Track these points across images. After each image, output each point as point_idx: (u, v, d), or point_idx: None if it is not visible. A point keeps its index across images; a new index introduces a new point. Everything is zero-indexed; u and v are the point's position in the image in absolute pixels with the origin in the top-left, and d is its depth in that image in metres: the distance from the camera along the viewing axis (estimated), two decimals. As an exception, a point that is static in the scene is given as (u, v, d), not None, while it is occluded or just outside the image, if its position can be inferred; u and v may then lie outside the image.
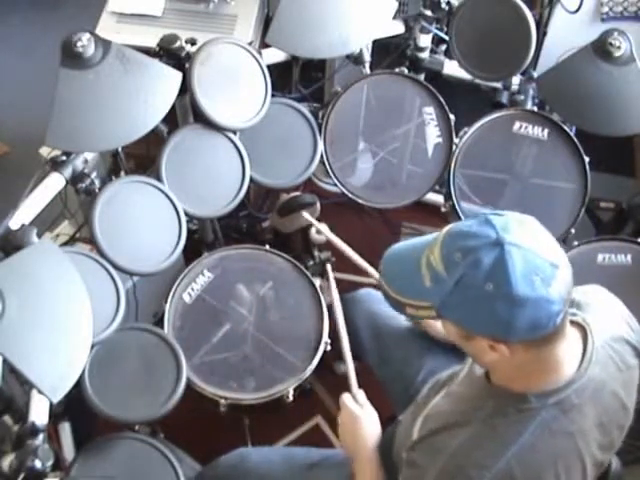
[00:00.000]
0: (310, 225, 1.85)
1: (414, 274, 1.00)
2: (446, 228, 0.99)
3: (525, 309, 0.91)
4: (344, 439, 1.37)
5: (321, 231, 1.74)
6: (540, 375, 1.01)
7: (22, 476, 1.22)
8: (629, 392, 1.11)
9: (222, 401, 1.55)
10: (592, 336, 1.06)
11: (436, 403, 1.19)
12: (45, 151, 1.75)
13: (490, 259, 0.91)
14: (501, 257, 0.91)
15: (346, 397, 1.39)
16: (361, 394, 1.41)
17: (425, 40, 1.95)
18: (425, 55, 1.99)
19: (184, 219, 1.61)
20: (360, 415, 1.35)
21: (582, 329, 1.07)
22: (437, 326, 1.52)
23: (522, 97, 1.87)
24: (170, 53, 1.65)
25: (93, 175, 1.56)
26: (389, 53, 2.01)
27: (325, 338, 1.64)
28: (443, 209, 1.87)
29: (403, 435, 1.29)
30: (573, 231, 1.77)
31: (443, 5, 1.83)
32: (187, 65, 1.64)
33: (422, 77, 1.99)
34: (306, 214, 1.79)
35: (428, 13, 1.88)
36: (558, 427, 1.01)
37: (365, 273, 1.67)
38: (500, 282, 0.90)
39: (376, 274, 1.62)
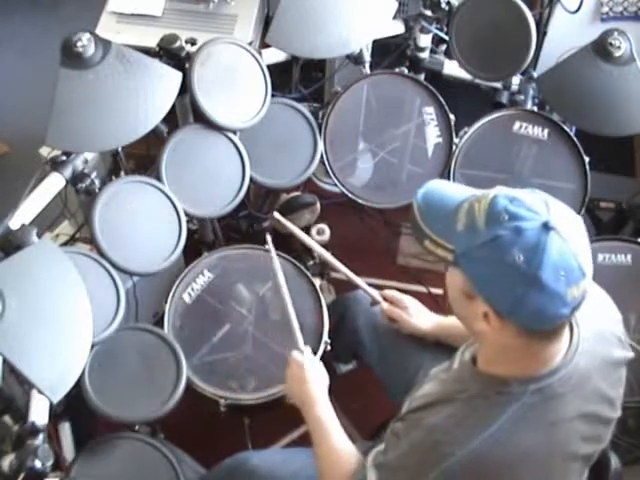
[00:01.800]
0: (310, 226, 1.85)
1: (450, 213, 0.99)
2: (503, 188, 0.98)
3: (539, 295, 0.91)
4: (291, 387, 1.38)
5: (301, 239, 1.72)
6: (525, 363, 1.02)
7: (22, 476, 1.22)
8: (615, 386, 1.11)
9: (222, 401, 1.55)
10: (579, 327, 1.06)
11: (423, 387, 1.20)
12: (45, 151, 1.75)
13: (533, 235, 0.91)
14: (544, 239, 0.91)
15: (293, 352, 1.41)
16: (307, 349, 1.43)
17: (425, 40, 1.95)
18: (425, 55, 1.99)
19: (184, 219, 1.61)
20: (306, 362, 1.38)
21: (570, 324, 1.07)
22: (411, 324, 1.53)
23: (522, 97, 1.88)
24: (170, 53, 1.65)
25: (93, 175, 1.56)
26: (389, 53, 2.01)
27: (325, 338, 1.64)
28: (443, 209, 1.87)
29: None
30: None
31: (443, 5, 1.83)
32: (187, 65, 1.64)
33: (422, 77, 1.98)
34: (286, 222, 1.76)
35: (428, 13, 1.88)
36: (537, 414, 1.01)
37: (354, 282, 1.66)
38: (532, 259, 0.90)
39: (356, 278, 1.62)
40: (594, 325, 1.09)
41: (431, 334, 1.53)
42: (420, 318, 1.54)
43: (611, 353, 1.11)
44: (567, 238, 0.92)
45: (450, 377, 1.15)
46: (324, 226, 2.01)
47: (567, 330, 1.04)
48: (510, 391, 1.01)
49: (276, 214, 1.75)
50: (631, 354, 1.14)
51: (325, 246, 1.89)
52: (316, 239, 1.93)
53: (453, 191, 1.04)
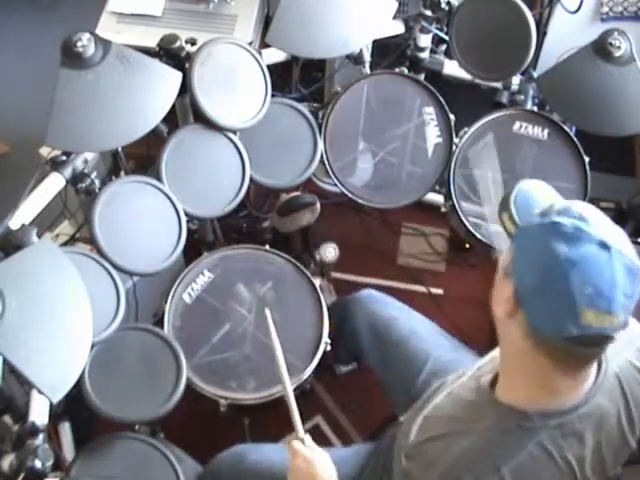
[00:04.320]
0: (310, 226, 1.85)
1: (538, 203, 0.99)
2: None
3: (556, 293, 0.90)
4: None
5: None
6: (545, 395, 1.00)
7: (22, 476, 1.23)
8: (633, 428, 1.08)
9: (222, 401, 1.55)
10: (607, 364, 1.04)
11: (437, 403, 1.18)
12: (45, 151, 1.75)
13: (589, 244, 0.90)
14: (595, 251, 0.90)
15: (295, 443, 1.31)
16: (308, 438, 1.33)
17: (425, 40, 1.95)
18: (425, 55, 1.99)
19: (184, 219, 1.61)
20: (314, 458, 1.28)
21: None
22: None
23: (522, 97, 1.87)
24: (170, 53, 1.65)
25: (93, 175, 1.56)
26: (389, 53, 2.01)
27: (325, 338, 1.64)
28: (443, 209, 1.87)
29: (403, 435, 1.29)
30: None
31: (443, 5, 1.83)
32: (187, 65, 1.64)
33: (422, 77, 1.98)
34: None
35: (428, 13, 1.88)
36: (556, 450, 1.00)
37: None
38: (570, 257, 0.90)
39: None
40: (622, 360, 1.07)
41: None
42: None
43: (635, 392, 1.07)
44: (626, 255, 0.91)
45: (466, 400, 1.12)
46: (333, 246, 2.00)
47: (594, 369, 1.02)
48: (531, 426, 0.99)
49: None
50: None
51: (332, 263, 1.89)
52: (327, 258, 1.93)
53: (554, 195, 1.04)
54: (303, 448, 1.30)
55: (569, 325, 0.90)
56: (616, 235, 0.94)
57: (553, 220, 0.93)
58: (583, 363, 0.99)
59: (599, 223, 0.94)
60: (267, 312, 1.42)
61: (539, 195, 1.02)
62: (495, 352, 1.25)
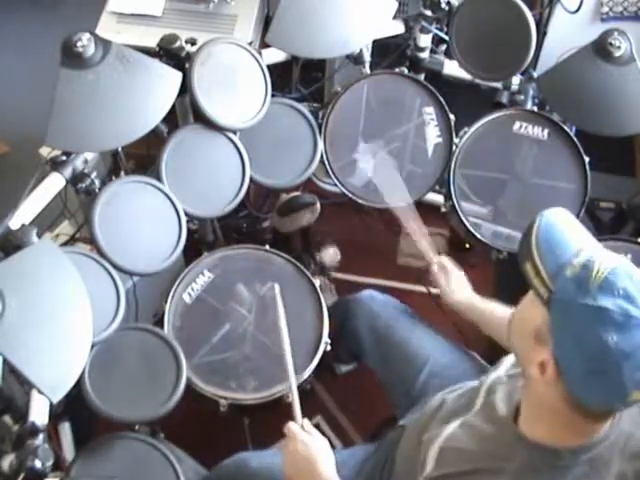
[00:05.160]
0: (310, 226, 1.85)
1: (567, 254, 0.93)
2: (625, 261, 0.93)
3: (607, 381, 0.88)
4: (296, 467, 1.27)
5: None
6: (577, 435, 0.99)
7: (22, 476, 1.22)
8: None
9: (222, 401, 1.55)
10: None
11: (453, 434, 1.14)
12: (45, 151, 1.75)
13: (639, 328, 0.87)
14: None
15: (292, 425, 1.31)
16: (307, 423, 1.33)
17: (425, 40, 1.95)
18: (425, 55, 1.99)
19: (184, 219, 1.61)
20: (312, 442, 1.28)
21: None
22: (447, 291, 1.55)
23: (522, 97, 1.87)
24: (170, 53, 1.65)
25: (93, 175, 1.56)
26: (389, 53, 2.01)
27: (325, 338, 1.64)
28: (443, 209, 1.87)
29: (408, 451, 1.27)
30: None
31: (443, 5, 1.83)
32: (187, 65, 1.64)
33: (422, 77, 1.98)
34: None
35: (428, 13, 1.88)
36: None
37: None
38: (624, 347, 0.86)
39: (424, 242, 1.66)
40: None
41: (462, 306, 1.53)
42: (458, 289, 1.56)
43: None
44: None
45: (488, 434, 1.10)
46: (334, 250, 1.99)
47: None
48: (563, 464, 0.98)
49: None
50: None
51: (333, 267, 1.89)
52: (327, 262, 1.93)
53: (579, 233, 0.99)
54: (302, 432, 1.29)
55: (616, 404, 0.91)
56: None
57: (600, 305, 0.87)
58: (609, 415, 0.98)
59: None
60: (276, 288, 1.48)
61: (564, 234, 0.96)
62: (499, 370, 1.24)
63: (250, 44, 1.77)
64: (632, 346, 0.86)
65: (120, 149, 1.73)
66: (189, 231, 1.63)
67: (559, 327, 0.91)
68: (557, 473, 0.98)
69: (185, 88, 1.61)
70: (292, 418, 1.34)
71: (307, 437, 1.28)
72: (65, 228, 2.01)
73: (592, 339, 0.88)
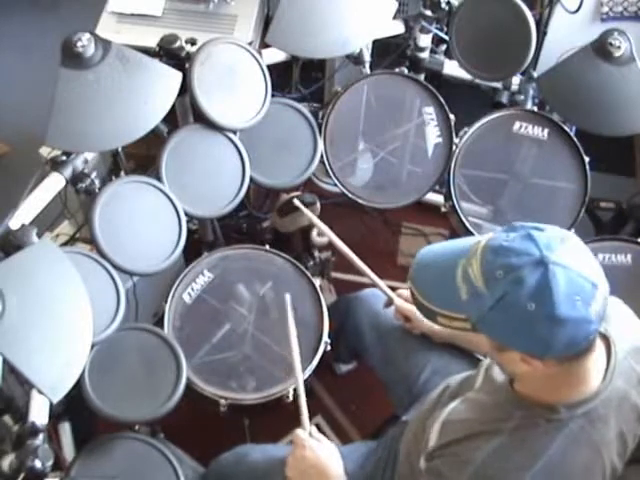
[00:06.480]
0: (311, 226, 1.85)
1: (449, 285, 0.99)
2: (484, 240, 0.98)
3: (565, 329, 0.90)
4: (305, 474, 1.28)
5: (323, 232, 1.73)
6: (570, 387, 1.01)
7: (22, 476, 1.23)
8: None
9: (222, 401, 1.55)
10: (615, 347, 1.05)
11: (454, 408, 1.17)
12: (45, 151, 1.75)
13: (534, 279, 0.90)
14: (545, 277, 0.90)
15: (300, 432, 1.32)
16: (315, 429, 1.34)
17: (425, 40, 1.95)
18: (425, 55, 1.99)
19: (184, 219, 1.61)
20: (322, 450, 1.28)
21: (606, 340, 1.06)
22: (429, 326, 1.52)
23: (522, 97, 1.88)
24: (170, 53, 1.65)
25: (93, 175, 1.56)
26: (389, 53, 2.01)
27: (325, 338, 1.64)
28: (443, 209, 1.87)
29: (413, 439, 1.28)
30: (573, 231, 1.77)
31: (443, 5, 1.83)
32: (187, 65, 1.64)
33: (422, 77, 1.98)
34: (308, 212, 1.77)
35: (428, 13, 1.88)
36: (585, 438, 1.01)
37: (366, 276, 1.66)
38: (543, 302, 0.90)
39: (373, 276, 1.61)
40: (627, 344, 1.08)
41: (444, 335, 1.52)
42: None
43: None
44: (566, 262, 0.91)
45: (487, 403, 1.12)
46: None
47: (602, 346, 1.04)
48: (559, 417, 1.01)
49: (296, 201, 1.76)
50: None
51: (327, 246, 1.88)
52: (317, 240, 1.92)
53: (442, 259, 1.03)
54: (310, 439, 1.30)
55: (590, 329, 0.93)
56: (524, 235, 0.95)
57: (496, 298, 0.93)
58: (595, 341, 0.99)
59: (510, 247, 0.95)
60: (287, 298, 1.50)
61: (438, 279, 1.02)
62: None
63: (250, 44, 1.77)
64: (543, 297, 0.90)
65: (120, 149, 1.73)
66: (189, 231, 1.63)
67: (497, 335, 0.97)
68: (553, 427, 1.01)
69: (185, 88, 1.61)
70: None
71: (316, 444, 1.29)
72: (65, 228, 2.01)
73: (522, 320, 0.92)
